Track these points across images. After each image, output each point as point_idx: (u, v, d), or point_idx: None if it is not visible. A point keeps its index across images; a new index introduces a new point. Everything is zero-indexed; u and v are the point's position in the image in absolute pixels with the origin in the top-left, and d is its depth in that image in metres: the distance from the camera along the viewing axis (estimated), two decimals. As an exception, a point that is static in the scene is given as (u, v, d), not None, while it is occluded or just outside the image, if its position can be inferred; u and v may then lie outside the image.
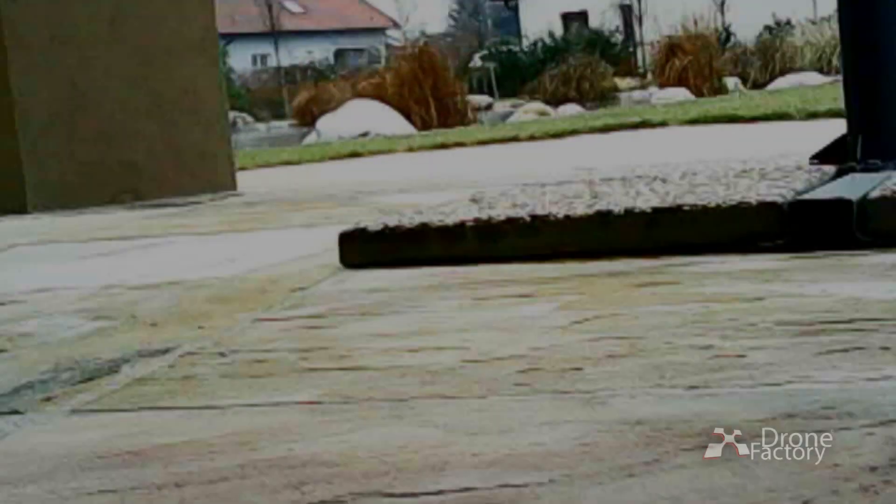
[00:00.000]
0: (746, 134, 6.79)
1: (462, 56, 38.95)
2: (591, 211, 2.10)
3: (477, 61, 37.01)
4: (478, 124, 12.10)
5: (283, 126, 26.55)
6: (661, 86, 15.61)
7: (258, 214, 3.52)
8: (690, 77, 15.29)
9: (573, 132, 7.62)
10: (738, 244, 1.99)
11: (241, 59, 43.89)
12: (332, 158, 6.93)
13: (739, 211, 2.01)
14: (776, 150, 4.77)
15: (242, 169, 6.57)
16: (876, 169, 2.47)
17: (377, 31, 50.17)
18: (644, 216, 2.06)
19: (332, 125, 10.55)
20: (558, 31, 37.73)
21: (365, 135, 10.15)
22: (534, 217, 2.11)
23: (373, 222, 2.24)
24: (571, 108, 13.48)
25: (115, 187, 4.43)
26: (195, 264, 2.41)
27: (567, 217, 2.09)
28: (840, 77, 2.59)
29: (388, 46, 48.99)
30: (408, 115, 11.44)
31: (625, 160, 4.97)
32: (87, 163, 4.40)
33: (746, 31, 32.79)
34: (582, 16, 38.39)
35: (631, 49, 34.26)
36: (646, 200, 2.16)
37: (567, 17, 39.05)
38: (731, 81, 15.78)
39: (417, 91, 11.91)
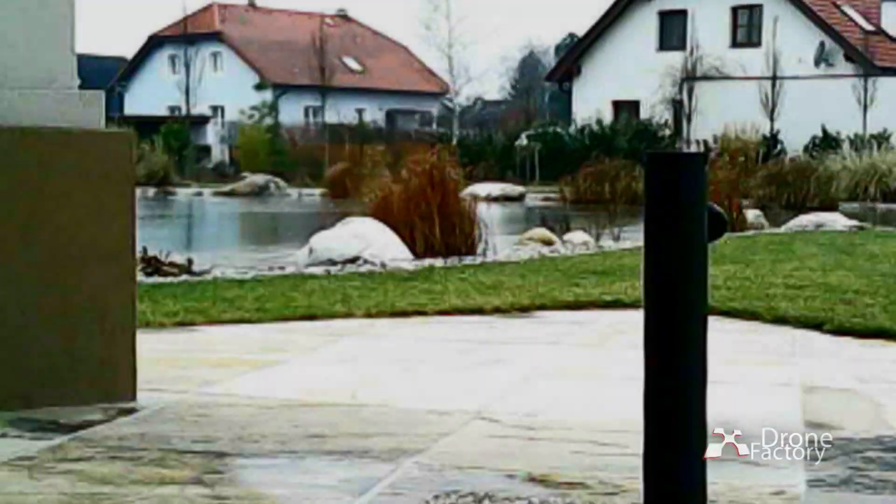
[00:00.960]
0: (715, 344, 6.64)
1: (509, 132, 39.08)
2: None
3: (523, 140, 37.09)
4: (483, 244, 12.06)
5: (314, 195, 26.56)
6: (682, 213, 15.37)
7: (107, 495, 3.42)
8: (712, 207, 15.05)
9: (541, 306, 7.62)
10: None
11: (292, 112, 44.31)
12: (288, 319, 6.92)
13: None
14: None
15: (190, 324, 6.52)
16: None
17: (431, 95, 50.41)
18: None
19: (325, 244, 10.55)
20: (608, 117, 37.74)
21: (355, 260, 10.15)
22: None
23: None
24: (579, 236, 13.47)
25: (5, 392, 4.37)
26: None
27: None
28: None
29: (444, 109, 49.17)
30: (411, 231, 11.41)
31: (566, 403, 4.84)
32: (-20, 367, 4.35)
33: (797, 135, 32.60)
34: (633, 105, 38.36)
35: (678, 146, 34.16)
36: None
37: (618, 105, 39.04)
38: (752, 214, 15.60)
39: (424, 207, 11.88)
